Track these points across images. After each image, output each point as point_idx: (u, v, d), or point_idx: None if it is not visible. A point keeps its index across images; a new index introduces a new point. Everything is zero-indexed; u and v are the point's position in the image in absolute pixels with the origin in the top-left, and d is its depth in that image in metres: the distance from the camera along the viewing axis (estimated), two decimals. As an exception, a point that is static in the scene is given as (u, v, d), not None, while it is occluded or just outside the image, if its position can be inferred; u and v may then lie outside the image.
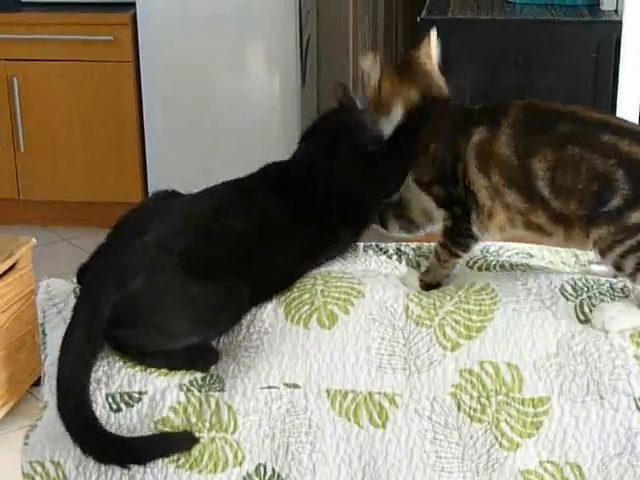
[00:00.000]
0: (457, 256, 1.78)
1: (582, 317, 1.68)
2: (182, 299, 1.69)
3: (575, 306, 1.69)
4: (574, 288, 1.72)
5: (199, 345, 1.74)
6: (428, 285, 1.78)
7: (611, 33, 3.26)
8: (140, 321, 1.69)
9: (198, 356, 1.74)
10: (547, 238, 1.73)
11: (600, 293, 1.71)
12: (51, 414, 1.71)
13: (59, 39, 4.35)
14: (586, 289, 1.72)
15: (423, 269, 1.82)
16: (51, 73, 4.42)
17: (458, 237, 1.76)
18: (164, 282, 1.69)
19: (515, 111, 1.71)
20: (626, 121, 1.76)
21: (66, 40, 4.35)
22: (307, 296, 1.75)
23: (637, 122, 3.13)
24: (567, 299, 1.70)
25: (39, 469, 1.70)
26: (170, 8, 4.26)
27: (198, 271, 1.69)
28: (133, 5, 4.29)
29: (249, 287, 1.73)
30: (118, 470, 1.67)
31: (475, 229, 1.74)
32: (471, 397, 1.64)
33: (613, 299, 1.70)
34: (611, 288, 1.72)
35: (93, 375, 1.70)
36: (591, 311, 1.68)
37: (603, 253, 1.64)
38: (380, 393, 1.66)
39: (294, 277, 1.79)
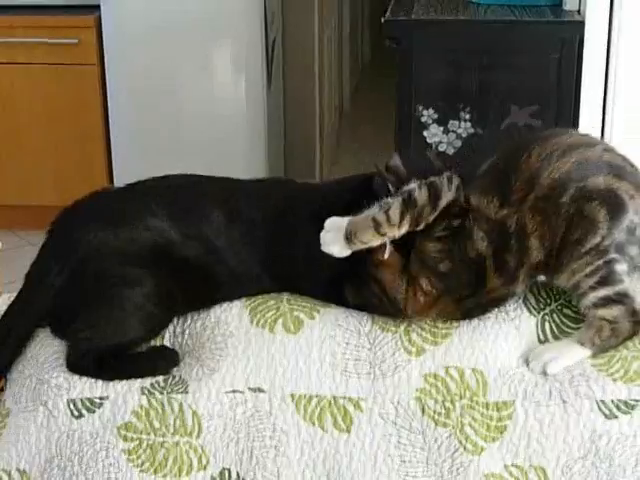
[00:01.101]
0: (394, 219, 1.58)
1: (542, 337, 1.69)
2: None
3: (537, 322, 1.70)
4: (537, 300, 1.73)
5: (158, 348, 1.74)
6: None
7: (574, 33, 3.26)
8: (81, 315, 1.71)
9: (158, 360, 1.73)
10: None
11: (562, 306, 1.72)
12: (14, 421, 1.70)
13: (23, 42, 4.32)
14: (549, 300, 1.73)
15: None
16: (16, 76, 4.38)
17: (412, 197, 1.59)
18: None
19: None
20: None
21: (30, 43, 4.32)
22: (273, 302, 1.75)
23: (600, 121, 3.15)
24: (530, 312, 1.71)
25: (5, 477, 1.69)
26: (135, 10, 4.23)
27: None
28: (97, 8, 4.26)
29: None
30: (82, 476, 1.66)
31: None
32: (435, 401, 1.64)
33: (575, 312, 1.70)
34: (570, 302, 1.73)
35: (54, 381, 1.69)
36: (551, 330, 1.69)
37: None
38: (345, 397, 1.66)
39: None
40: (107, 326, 1.71)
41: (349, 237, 1.58)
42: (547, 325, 1.70)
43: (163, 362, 1.73)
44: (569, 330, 1.68)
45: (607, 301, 1.60)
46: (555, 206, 1.58)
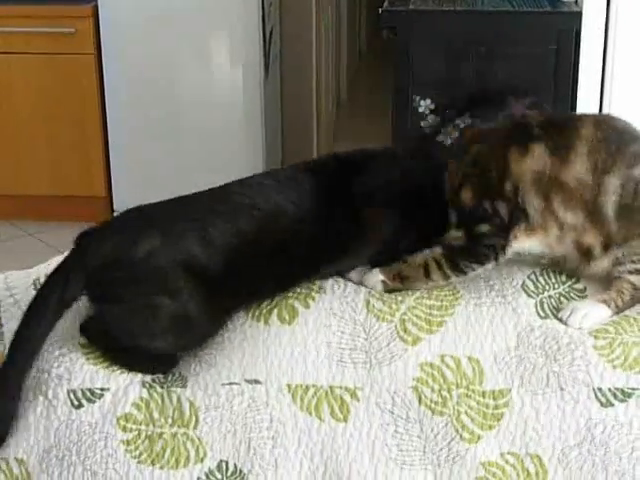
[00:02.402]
0: (449, 278, 1.73)
1: (542, 314, 1.70)
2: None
3: (536, 303, 1.71)
4: (535, 285, 1.74)
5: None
6: (392, 290, 1.75)
7: (571, 24, 3.27)
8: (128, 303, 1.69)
9: (157, 362, 1.73)
10: (584, 263, 1.71)
11: (560, 294, 1.73)
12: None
13: (20, 31, 4.31)
14: (547, 287, 1.74)
15: (390, 274, 1.75)
16: (12, 65, 4.38)
17: (469, 258, 1.71)
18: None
19: (589, 129, 1.67)
20: None
21: (27, 32, 4.31)
22: (267, 291, 1.75)
23: (597, 112, 3.15)
24: (528, 295, 1.72)
25: (3, 466, 1.69)
26: (132, 0, 4.23)
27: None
28: (94, -4, 4.26)
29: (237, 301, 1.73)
30: (80, 465, 1.66)
31: (503, 247, 1.71)
32: (432, 390, 1.65)
33: (574, 298, 1.72)
34: (571, 288, 1.75)
35: (55, 371, 1.70)
36: (551, 310, 1.70)
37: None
38: (341, 387, 1.66)
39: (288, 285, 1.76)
40: (135, 329, 1.71)
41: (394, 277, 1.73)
42: (546, 306, 1.71)
43: (163, 363, 1.73)
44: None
45: None
46: None
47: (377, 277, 1.75)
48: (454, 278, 1.72)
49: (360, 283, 1.75)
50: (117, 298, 1.70)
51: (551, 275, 1.76)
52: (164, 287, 1.67)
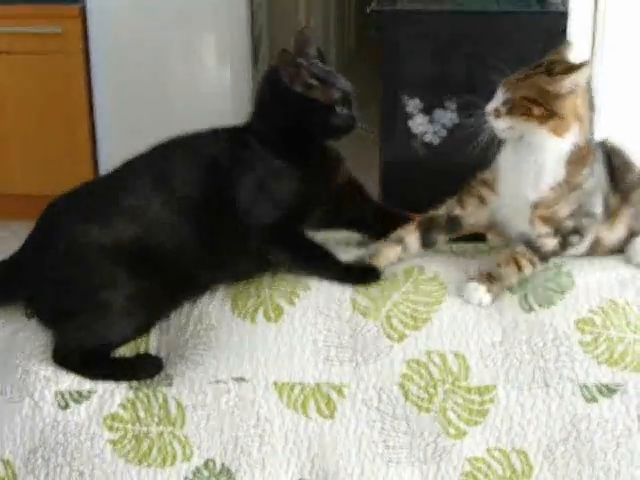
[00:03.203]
0: (536, 267, 1.74)
1: (526, 307, 1.70)
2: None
3: (519, 298, 1.71)
4: (520, 280, 1.74)
5: (143, 355, 1.75)
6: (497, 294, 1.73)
7: (558, 24, 3.27)
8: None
9: (142, 366, 1.73)
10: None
11: (546, 280, 1.73)
12: (-2, 412, 1.70)
13: (6, 31, 4.30)
14: (532, 277, 1.73)
15: (485, 281, 1.72)
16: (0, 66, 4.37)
17: (552, 256, 1.75)
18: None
19: None
20: None
21: (14, 32, 4.30)
22: (254, 289, 1.75)
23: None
24: (512, 292, 1.72)
25: None
26: (119, -1, 4.23)
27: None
28: (82, -4, 4.25)
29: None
30: (67, 466, 1.66)
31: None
32: (418, 387, 1.65)
33: (559, 286, 1.72)
34: (557, 273, 1.74)
35: (42, 373, 1.70)
36: (535, 300, 1.71)
37: None
38: (328, 384, 1.67)
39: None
40: (94, 328, 1.72)
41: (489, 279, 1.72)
42: (531, 297, 1.71)
43: (147, 369, 1.73)
44: (555, 299, 1.70)
45: None
46: None
47: (479, 290, 1.71)
48: (540, 267, 1.74)
49: (467, 301, 1.72)
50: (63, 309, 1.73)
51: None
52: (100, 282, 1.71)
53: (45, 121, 4.41)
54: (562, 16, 3.25)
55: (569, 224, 1.71)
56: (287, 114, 1.77)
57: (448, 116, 3.47)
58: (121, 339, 1.74)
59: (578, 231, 1.73)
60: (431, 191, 3.72)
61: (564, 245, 1.73)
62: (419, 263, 1.78)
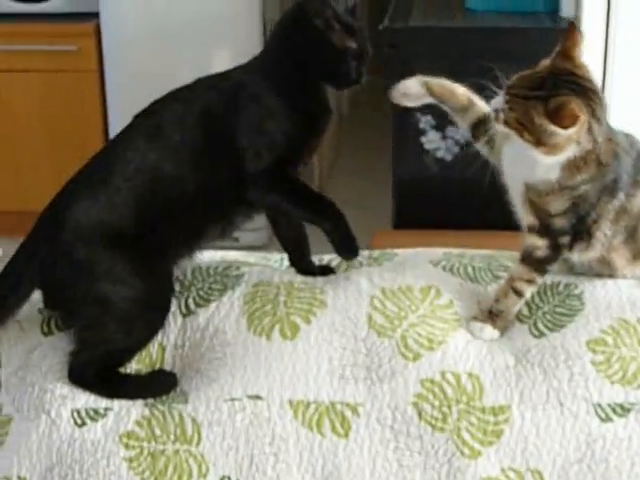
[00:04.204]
0: (536, 283, 1.74)
1: (536, 333, 1.71)
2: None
3: (529, 326, 1.73)
4: (530, 308, 1.75)
5: (157, 372, 1.76)
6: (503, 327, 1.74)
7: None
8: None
9: (157, 383, 1.74)
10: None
11: (555, 306, 1.74)
12: (16, 429, 1.71)
13: (22, 50, 4.34)
14: (542, 304, 1.75)
15: (487, 319, 1.73)
16: (15, 84, 4.40)
17: (547, 265, 1.73)
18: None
19: None
20: None
21: (30, 51, 4.34)
22: (270, 307, 1.76)
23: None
24: (521, 322, 1.74)
25: None
26: (133, 17, 4.25)
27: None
28: (97, 15, 4.28)
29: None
30: None
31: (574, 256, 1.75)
32: (432, 406, 1.65)
33: (569, 309, 1.73)
34: (567, 296, 1.76)
35: (59, 391, 1.70)
36: (545, 326, 1.72)
37: None
38: (342, 403, 1.67)
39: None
40: (104, 327, 1.72)
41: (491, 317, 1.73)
42: (540, 324, 1.72)
43: (162, 385, 1.73)
44: (565, 322, 1.71)
45: None
46: None
47: (485, 329, 1.72)
48: (540, 280, 1.75)
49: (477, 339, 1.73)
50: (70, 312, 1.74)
51: (547, 290, 1.77)
52: (101, 276, 1.71)
53: (60, 139, 4.44)
54: (574, 32, 3.25)
55: (558, 222, 1.70)
56: (299, 49, 1.78)
57: (460, 132, 3.47)
58: (134, 341, 1.74)
59: (568, 232, 1.71)
60: (444, 207, 3.74)
61: (555, 248, 1.71)
62: (436, 283, 1.79)
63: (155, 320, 1.75)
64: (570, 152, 1.61)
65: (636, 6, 3.16)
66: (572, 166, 1.64)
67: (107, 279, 1.71)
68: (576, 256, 1.75)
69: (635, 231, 1.74)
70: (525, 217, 1.73)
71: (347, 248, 1.80)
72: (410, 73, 3.44)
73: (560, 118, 1.56)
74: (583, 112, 1.57)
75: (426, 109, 3.48)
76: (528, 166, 1.66)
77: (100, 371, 1.72)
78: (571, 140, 1.59)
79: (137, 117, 1.87)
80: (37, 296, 1.83)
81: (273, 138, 1.75)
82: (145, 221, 1.73)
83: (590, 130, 1.61)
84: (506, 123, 1.62)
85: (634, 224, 1.73)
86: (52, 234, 1.75)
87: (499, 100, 1.65)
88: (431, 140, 3.49)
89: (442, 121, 3.47)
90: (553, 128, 1.57)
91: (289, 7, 1.84)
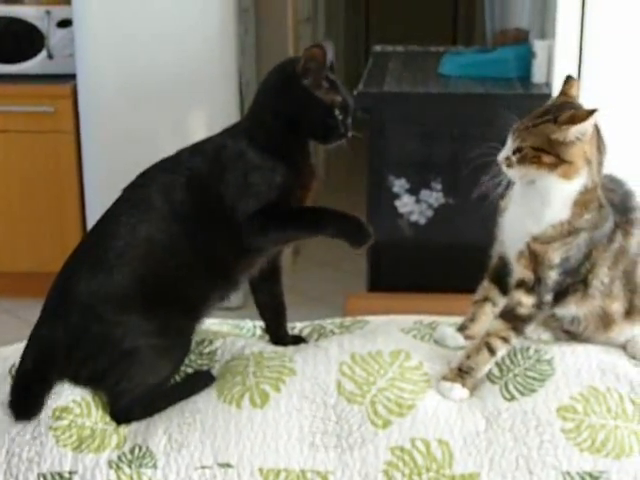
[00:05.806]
0: (510, 343, 1.76)
1: (508, 396, 1.72)
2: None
3: (500, 387, 1.73)
4: (500, 369, 1.76)
5: (193, 373, 1.82)
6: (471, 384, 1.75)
7: (542, 105, 3.33)
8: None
9: (196, 382, 1.80)
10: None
11: (526, 369, 1.75)
12: None
13: (0, 110, 4.35)
14: (512, 366, 1.76)
15: (456, 378, 1.74)
16: (-8, 144, 4.41)
17: (526, 324, 1.76)
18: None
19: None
20: None
21: (6, 111, 4.35)
22: (239, 378, 1.76)
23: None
24: (492, 382, 1.74)
25: None
26: (110, 80, 4.27)
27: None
28: (73, 77, 4.31)
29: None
30: None
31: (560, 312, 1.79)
32: (403, 474, 1.65)
33: (540, 374, 1.74)
34: (537, 361, 1.76)
35: (25, 454, 1.69)
36: (516, 389, 1.72)
37: None
38: (313, 471, 1.66)
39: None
40: (132, 375, 1.75)
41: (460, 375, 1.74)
42: (511, 386, 1.73)
43: (201, 382, 1.79)
44: (536, 386, 1.72)
45: None
46: None
47: (454, 389, 1.73)
48: (514, 341, 1.76)
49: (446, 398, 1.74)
50: (96, 373, 1.76)
51: (517, 354, 1.78)
52: (118, 342, 1.73)
53: (35, 199, 4.44)
54: (546, 98, 3.30)
55: (550, 275, 1.72)
56: (287, 105, 1.80)
57: (434, 196, 3.51)
58: (164, 377, 1.78)
59: (554, 289, 1.74)
60: (418, 270, 3.75)
61: (539, 306, 1.74)
62: (405, 348, 1.80)
63: (176, 356, 1.80)
64: (582, 179, 1.67)
65: (604, 74, 3.22)
66: (581, 202, 1.69)
67: (125, 339, 1.73)
68: (573, 309, 1.78)
69: (633, 275, 1.78)
70: (519, 272, 1.75)
71: (358, 239, 1.79)
72: (384, 137, 3.49)
73: (573, 117, 1.64)
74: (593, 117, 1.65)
75: (400, 172, 3.54)
76: (538, 213, 1.70)
77: (144, 406, 1.76)
78: (584, 154, 1.66)
79: (125, 190, 1.89)
80: (11, 362, 1.83)
81: (259, 189, 1.77)
82: (148, 289, 1.76)
83: (590, 165, 1.68)
84: (521, 161, 1.67)
85: (631, 269, 1.78)
86: (63, 321, 1.76)
87: (507, 148, 1.71)
88: (405, 204, 3.52)
89: (416, 185, 3.51)
90: (568, 131, 1.63)
91: (273, 67, 1.87)
